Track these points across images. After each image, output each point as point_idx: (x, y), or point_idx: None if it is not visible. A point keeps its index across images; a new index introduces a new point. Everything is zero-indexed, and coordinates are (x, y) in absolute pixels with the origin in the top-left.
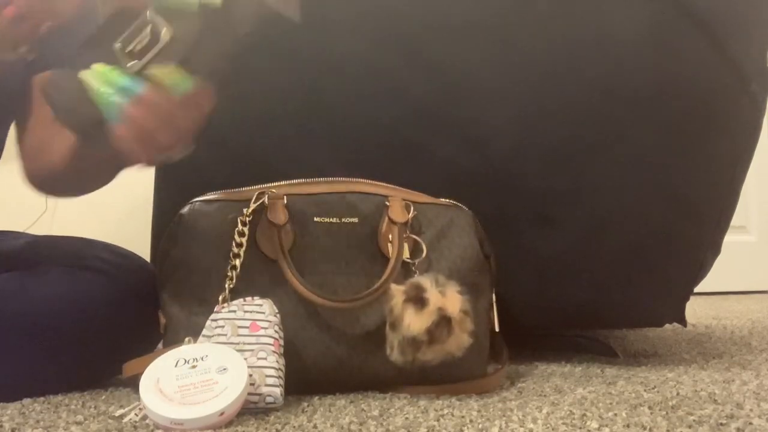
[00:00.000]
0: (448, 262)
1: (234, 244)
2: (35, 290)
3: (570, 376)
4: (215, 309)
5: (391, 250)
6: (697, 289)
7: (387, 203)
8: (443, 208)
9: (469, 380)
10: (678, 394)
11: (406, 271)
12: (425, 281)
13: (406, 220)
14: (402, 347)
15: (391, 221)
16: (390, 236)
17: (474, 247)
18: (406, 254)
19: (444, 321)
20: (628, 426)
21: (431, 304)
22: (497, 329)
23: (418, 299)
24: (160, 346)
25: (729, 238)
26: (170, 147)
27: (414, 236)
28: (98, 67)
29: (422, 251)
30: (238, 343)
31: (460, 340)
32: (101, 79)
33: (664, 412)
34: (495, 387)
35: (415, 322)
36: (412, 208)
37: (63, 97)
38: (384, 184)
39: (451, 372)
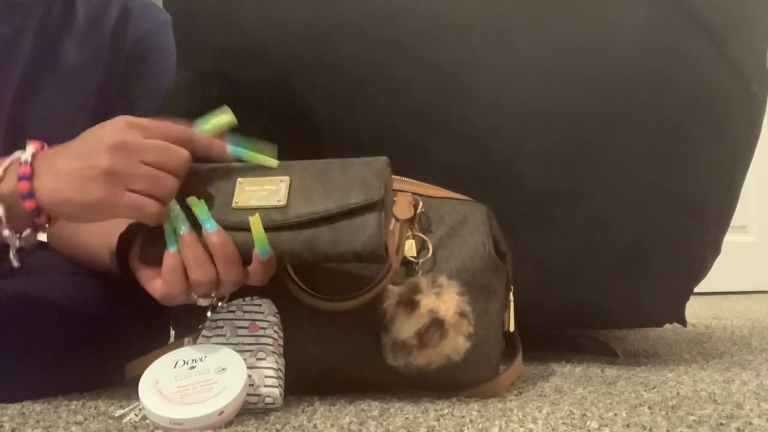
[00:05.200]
0: (457, 261)
1: None
2: (36, 295)
3: (570, 376)
4: (211, 309)
5: (390, 248)
6: (697, 289)
7: (394, 198)
8: (457, 203)
9: (476, 386)
10: (678, 394)
11: (409, 270)
12: (423, 281)
13: (410, 217)
14: (394, 351)
15: (395, 218)
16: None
17: (486, 246)
18: (412, 252)
19: (435, 324)
20: (628, 426)
21: (422, 307)
22: (512, 329)
23: (409, 301)
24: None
25: (729, 238)
26: None
27: (420, 234)
28: None
29: (428, 250)
30: (237, 344)
31: (455, 344)
32: None
33: (664, 412)
34: (502, 390)
35: (404, 326)
36: (420, 205)
37: None
38: (398, 177)
39: (456, 376)
